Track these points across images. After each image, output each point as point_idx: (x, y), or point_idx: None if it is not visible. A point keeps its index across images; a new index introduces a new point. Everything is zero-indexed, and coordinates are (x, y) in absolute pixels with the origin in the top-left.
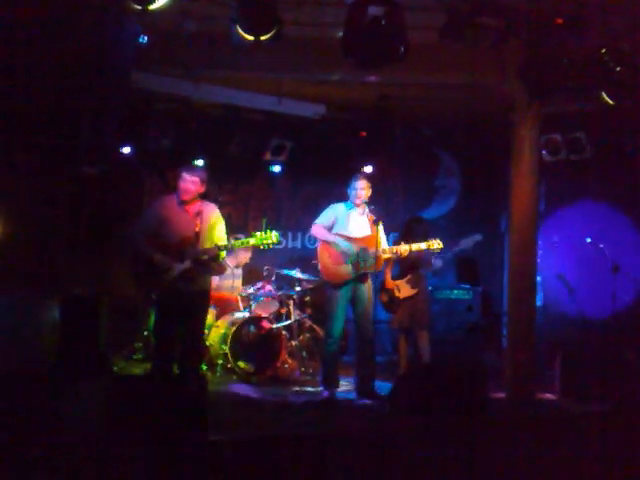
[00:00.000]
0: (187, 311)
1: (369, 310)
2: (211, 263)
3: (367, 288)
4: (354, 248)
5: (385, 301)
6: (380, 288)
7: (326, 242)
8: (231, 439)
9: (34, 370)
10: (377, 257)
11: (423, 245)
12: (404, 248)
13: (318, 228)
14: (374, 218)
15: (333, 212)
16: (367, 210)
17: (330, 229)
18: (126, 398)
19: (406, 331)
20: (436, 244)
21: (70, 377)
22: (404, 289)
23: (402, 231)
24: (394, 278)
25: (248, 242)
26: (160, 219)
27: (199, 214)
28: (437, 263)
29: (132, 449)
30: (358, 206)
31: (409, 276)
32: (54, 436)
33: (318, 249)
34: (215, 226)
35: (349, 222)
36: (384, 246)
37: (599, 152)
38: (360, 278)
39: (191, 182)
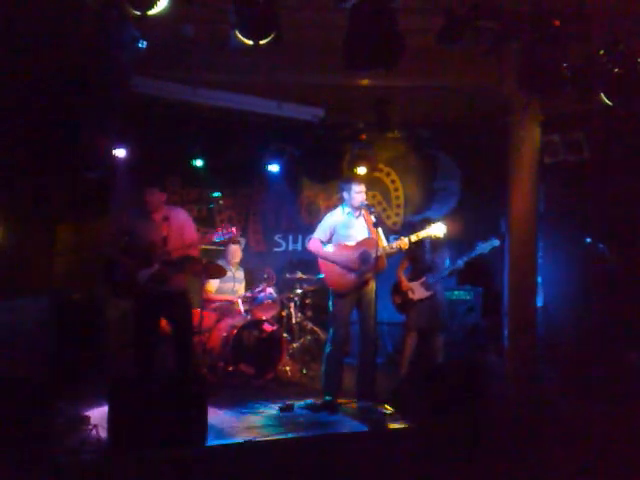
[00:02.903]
0: (168, 312)
1: (374, 312)
2: (182, 263)
3: (371, 290)
4: (353, 259)
5: (398, 302)
6: (393, 289)
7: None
8: (231, 442)
9: (33, 372)
10: (379, 258)
11: (422, 233)
12: (404, 241)
13: (316, 244)
14: (374, 221)
15: (329, 223)
16: (363, 212)
17: (329, 240)
18: (125, 399)
19: (420, 333)
20: (435, 229)
21: (69, 380)
22: (418, 291)
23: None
24: (409, 280)
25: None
26: (130, 229)
27: (166, 219)
28: (454, 265)
29: (131, 449)
30: (355, 209)
31: (423, 278)
32: (53, 436)
33: (319, 260)
34: (184, 228)
35: (348, 229)
36: (384, 244)
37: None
38: (364, 283)
39: (150, 193)
